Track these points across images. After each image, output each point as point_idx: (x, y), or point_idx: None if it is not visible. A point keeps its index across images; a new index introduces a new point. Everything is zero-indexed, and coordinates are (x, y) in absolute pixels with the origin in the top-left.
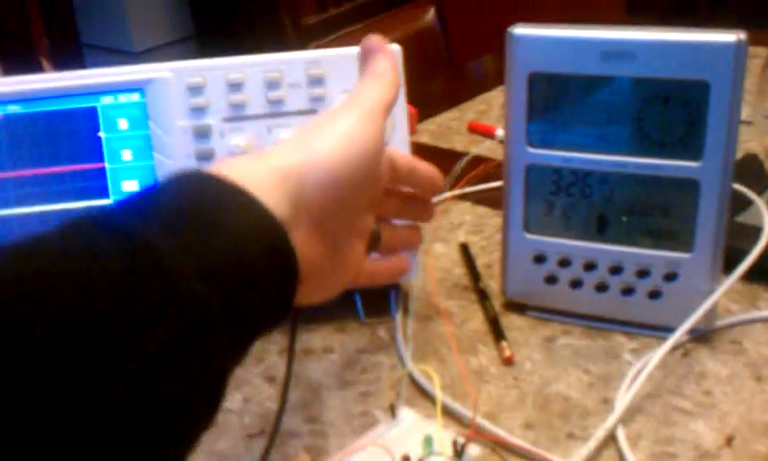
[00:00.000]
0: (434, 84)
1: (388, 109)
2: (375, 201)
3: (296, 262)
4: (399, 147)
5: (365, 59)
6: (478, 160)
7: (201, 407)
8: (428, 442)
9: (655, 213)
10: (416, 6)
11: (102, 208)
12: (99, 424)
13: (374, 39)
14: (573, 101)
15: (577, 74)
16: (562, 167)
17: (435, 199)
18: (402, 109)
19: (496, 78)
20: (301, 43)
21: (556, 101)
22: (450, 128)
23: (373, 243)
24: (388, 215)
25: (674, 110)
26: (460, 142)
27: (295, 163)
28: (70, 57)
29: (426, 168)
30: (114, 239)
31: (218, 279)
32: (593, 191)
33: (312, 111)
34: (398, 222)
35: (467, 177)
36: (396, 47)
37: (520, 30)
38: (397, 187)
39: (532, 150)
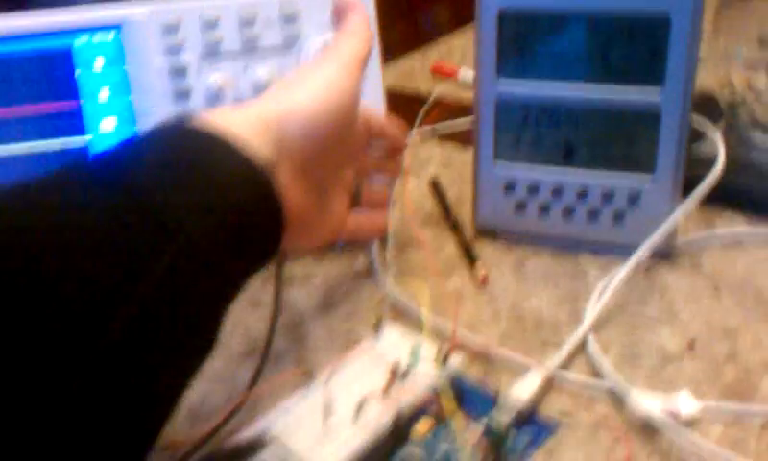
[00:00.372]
0: (393, 30)
1: (364, 63)
2: (354, 155)
3: (281, 204)
4: (373, 90)
5: (339, 16)
6: (442, 100)
7: (198, 339)
8: (415, 350)
9: (619, 141)
10: None
11: (89, 162)
12: (101, 355)
13: None
14: (541, 36)
15: (545, 10)
16: (530, 100)
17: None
18: (376, 55)
19: (453, 23)
20: None
21: (524, 37)
22: (413, 70)
23: (355, 198)
24: (365, 171)
25: (637, 44)
26: (424, 84)
27: (276, 112)
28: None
29: (393, 124)
30: (107, 187)
31: (209, 218)
32: (560, 122)
33: (286, 49)
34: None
35: (432, 115)
36: None
37: None
38: (371, 143)
39: (501, 84)
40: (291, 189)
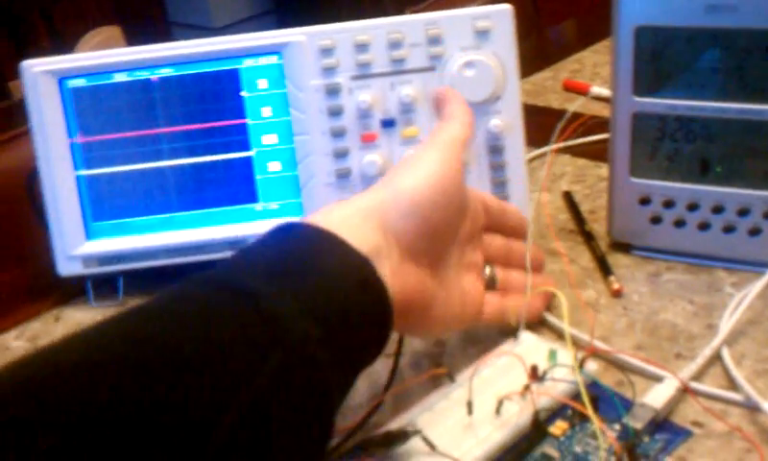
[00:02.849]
0: (524, 45)
1: (464, 144)
2: (472, 235)
3: (385, 290)
4: (510, 105)
5: (439, 106)
6: (575, 116)
7: (309, 440)
8: (553, 354)
9: (756, 156)
10: None
11: (214, 268)
12: (216, 451)
13: (446, 89)
14: (677, 52)
15: (681, 27)
16: (667, 114)
17: (537, 152)
18: (514, 72)
19: (581, 39)
20: (397, 9)
21: (661, 52)
22: (545, 87)
23: (490, 284)
24: (495, 259)
25: None
26: (555, 100)
27: (380, 200)
28: (159, 35)
29: (514, 208)
30: (223, 293)
31: (316, 313)
32: (696, 136)
33: (431, 68)
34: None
35: (566, 131)
36: (507, 6)
37: None
38: (495, 227)
39: (638, 99)
40: (400, 272)
